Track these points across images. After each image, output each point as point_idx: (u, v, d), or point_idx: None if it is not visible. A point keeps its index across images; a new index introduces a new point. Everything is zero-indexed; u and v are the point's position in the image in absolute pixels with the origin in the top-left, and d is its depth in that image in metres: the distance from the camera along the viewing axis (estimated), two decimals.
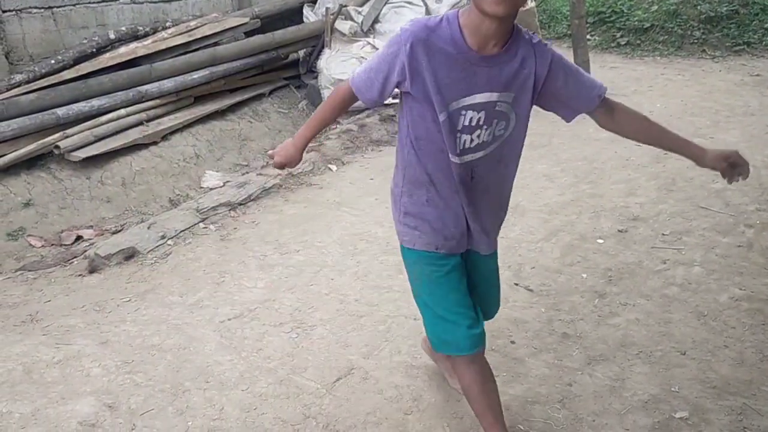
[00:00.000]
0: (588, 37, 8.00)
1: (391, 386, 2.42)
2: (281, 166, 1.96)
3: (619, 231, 3.60)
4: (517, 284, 3.09)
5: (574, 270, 3.22)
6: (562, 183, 4.27)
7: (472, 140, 1.73)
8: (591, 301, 2.95)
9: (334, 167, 4.93)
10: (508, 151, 1.82)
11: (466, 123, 1.70)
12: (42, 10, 4.74)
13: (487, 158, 1.78)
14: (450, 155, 1.74)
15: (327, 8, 6.10)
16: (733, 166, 1.80)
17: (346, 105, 1.88)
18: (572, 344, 2.65)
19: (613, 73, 7.34)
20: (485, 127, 1.72)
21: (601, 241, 3.50)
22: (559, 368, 2.49)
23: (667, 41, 8.15)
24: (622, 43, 8.39)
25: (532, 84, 1.72)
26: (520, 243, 3.50)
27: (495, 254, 2.05)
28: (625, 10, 8.67)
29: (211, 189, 4.52)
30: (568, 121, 1.87)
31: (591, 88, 1.80)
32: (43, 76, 4.44)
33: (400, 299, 3.02)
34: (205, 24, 5.39)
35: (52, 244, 3.78)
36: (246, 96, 5.67)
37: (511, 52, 1.68)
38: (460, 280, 1.92)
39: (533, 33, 1.75)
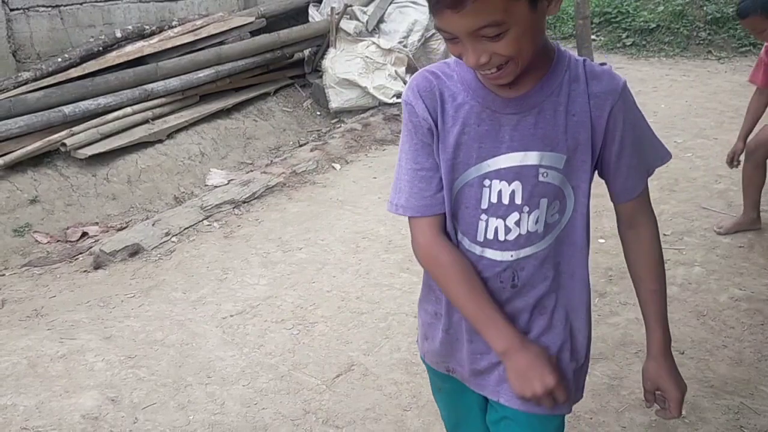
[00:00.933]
0: (593, 37, 8.02)
1: (390, 383, 2.45)
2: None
3: None
4: None
5: None
6: None
7: (507, 229, 1.19)
8: (591, 300, 2.96)
9: (337, 166, 4.95)
10: (568, 250, 1.25)
11: (494, 199, 1.18)
12: (49, 9, 4.79)
13: (539, 259, 1.22)
14: (466, 245, 1.21)
15: (332, 8, 6.12)
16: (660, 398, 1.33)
17: (447, 240, 1.23)
18: None
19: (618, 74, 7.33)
20: (527, 209, 1.17)
21: (602, 240, 3.51)
22: None
23: (672, 42, 8.14)
24: (628, 43, 8.39)
25: (589, 136, 1.16)
26: None
27: (547, 425, 1.28)
28: (631, 11, 8.67)
29: (216, 187, 4.56)
30: (617, 203, 1.27)
31: (654, 154, 1.26)
32: (50, 74, 4.48)
33: (401, 297, 3.04)
34: (211, 23, 5.43)
35: (58, 241, 3.81)
36: (251, 95, 5.69)
37: (550, 87, 1.15)
38: (470, 414, 1.43)
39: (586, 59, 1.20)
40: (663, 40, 8.23)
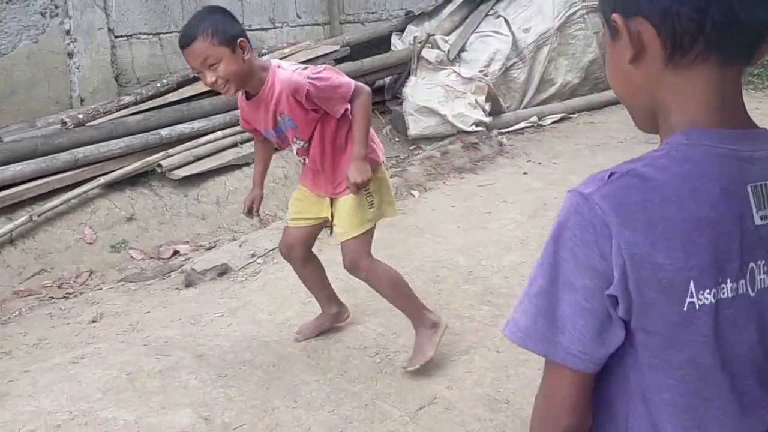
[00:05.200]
0: None
1: (474, 419, 2.45)
2: None
3: None
4: None
5: None
6: None
7: None
8: None
9: (416, 193, 5.01)
10: None
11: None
12: (150, 36, 5.07)
13: None
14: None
15: (414, 37, 6.22)
16: None
17: None
18: None
19: None
20: None
21: None
22: None
23: (762, 74, 7.87)
24: None
25: None
26: None
27: None
28: None
29: None
30: None
31: None
32: (149, 99, 4.73)
33: (483, 330, 3.04)
34: (299, 51, 5.61)
35: (151, 258, 4.00)
36: None
37: None
38: None
39: None
40: (752, 72, 7.94)
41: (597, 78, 7.13)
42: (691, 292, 0.77)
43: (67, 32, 4.56)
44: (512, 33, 6.35)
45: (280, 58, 5.34)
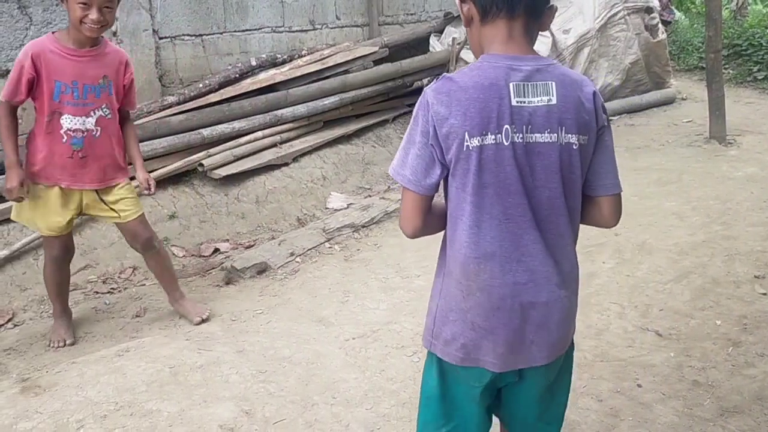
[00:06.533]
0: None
1: None
2: None
3: (755, 277, 3.43)
4: (644, 327, 3.02)
5: (706, 315, 3.10)
6: (693, 222, 4.12)
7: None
8: (724, 349, 2.83)
9: None
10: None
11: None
12: (193, 38, 5.15)
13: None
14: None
15: (453, 38, 6.22)
16: None
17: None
18: (703, 393, 2.56)
19: (749, 109, 6.99)
20: None
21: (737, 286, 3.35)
22: (689, 417, 2.41)
23: None
24: (759, 77, 7.98)
25: None
26: (647, 283, 3.42)
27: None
28: (764, 44, 8.24)
29: (336, 210, 4.72)
30: None
31: None
32: (191, 99, 4.81)
33: None
34: (338, 53, 5.65)
35: (193, 255, 4.07)
36: (371, 121, 5.87)
37: None
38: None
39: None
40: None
41: (638, 80, 7.03)
42: (467, 139, 1.36)
43: (114, 33, 4.66)
44: (552, 34, 6.30)
45: (318, 60, 5.40)
